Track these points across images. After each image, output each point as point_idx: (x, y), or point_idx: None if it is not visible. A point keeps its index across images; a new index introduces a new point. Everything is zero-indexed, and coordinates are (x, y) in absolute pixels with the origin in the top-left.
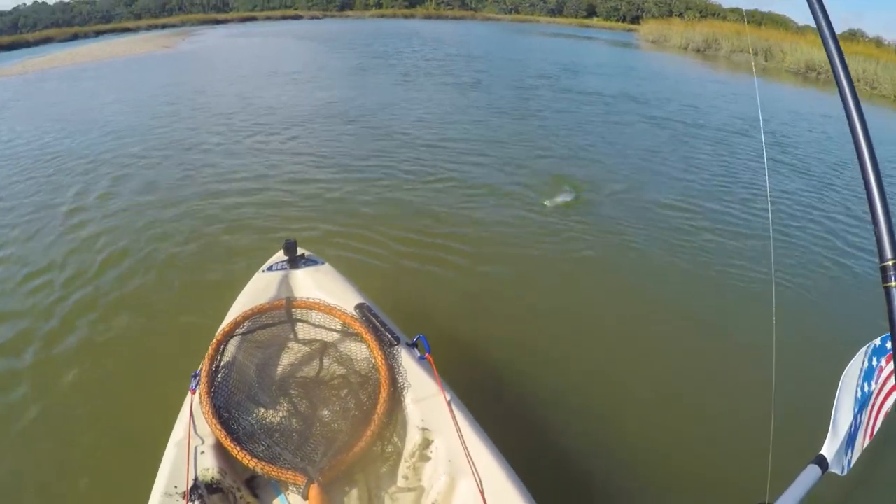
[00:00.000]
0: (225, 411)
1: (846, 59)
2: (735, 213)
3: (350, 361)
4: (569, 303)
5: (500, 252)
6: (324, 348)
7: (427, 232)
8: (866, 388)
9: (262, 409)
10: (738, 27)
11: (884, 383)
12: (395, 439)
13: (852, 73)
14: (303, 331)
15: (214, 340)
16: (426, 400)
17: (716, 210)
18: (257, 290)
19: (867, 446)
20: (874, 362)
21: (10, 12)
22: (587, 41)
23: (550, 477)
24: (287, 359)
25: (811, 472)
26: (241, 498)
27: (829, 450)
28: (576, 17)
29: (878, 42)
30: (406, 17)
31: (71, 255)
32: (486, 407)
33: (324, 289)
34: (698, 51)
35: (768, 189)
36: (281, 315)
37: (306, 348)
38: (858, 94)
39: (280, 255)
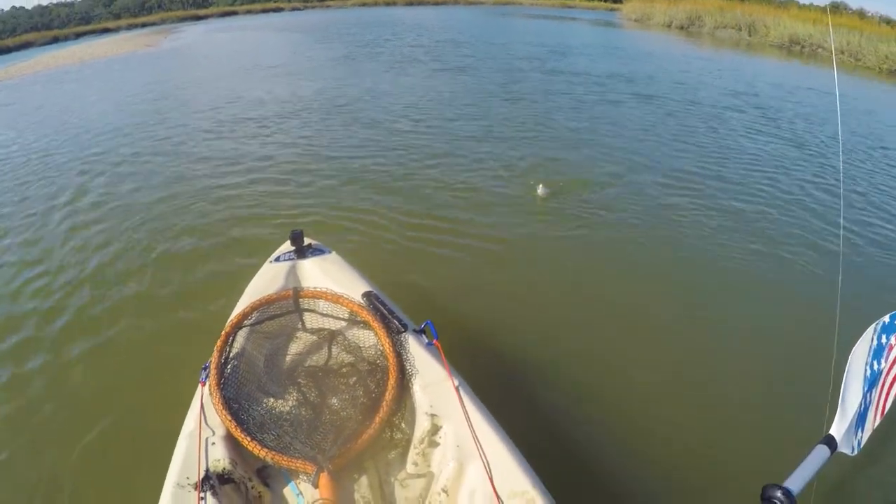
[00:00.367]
0: (235, 402)
1: (831, 31)
2: (748, 192)
3: (358, 349)
4: (577, 286)
5: (507, 236)
6: (332, 337)
7: (432, 216)
8: (876, 367)
9: (272, 400)
10: (721, 3)
11: (894, 361)
12: (404, 426)
13: (837, 46)
14: (311, 320)
15: (223, 332)
16: (434, 386)
17: (743, 192)
18: (265, 281)
19: (878, 426)
20: (884, 340)
21: None
22: (571, 22)
23: (559, 461)
24: (295, 348)
25: (820, 452)
26: (252, 488)
27: (837, 430)
28: None
29: (862, 14)
30: (388, 4)
31: (71, 256)
32: (495, 392)
33: (331, 277)
34: (682, 28)
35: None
36: (289, 305)
37: (314, 337)
38: (843, 66)
39: (287, 246)
